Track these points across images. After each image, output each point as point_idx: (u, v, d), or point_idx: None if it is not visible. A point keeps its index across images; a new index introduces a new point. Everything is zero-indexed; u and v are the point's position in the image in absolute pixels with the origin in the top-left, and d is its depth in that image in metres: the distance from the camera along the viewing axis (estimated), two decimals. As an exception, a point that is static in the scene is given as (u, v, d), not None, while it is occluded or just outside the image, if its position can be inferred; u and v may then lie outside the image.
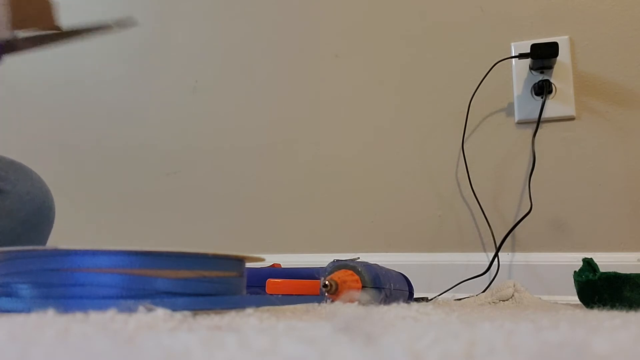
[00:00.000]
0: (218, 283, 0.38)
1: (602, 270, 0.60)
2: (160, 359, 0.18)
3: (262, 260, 0.43)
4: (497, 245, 0.92)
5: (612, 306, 0.57)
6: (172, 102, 1.19)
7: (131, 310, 0.30)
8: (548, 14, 0.98)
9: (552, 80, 0.95)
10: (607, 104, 0.94)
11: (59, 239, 1.20)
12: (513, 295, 0.69)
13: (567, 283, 0.66)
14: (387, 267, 0.58)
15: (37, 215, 0.67)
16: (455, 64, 1.02)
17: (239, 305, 0.38)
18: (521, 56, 0.94)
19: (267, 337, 0.21)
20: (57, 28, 0.47)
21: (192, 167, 1.15)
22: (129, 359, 0.18)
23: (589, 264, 0.62)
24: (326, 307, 0.45)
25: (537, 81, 0.95)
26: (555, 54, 0.91)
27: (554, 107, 0.95)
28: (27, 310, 0.32)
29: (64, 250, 0.34)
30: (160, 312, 0.28)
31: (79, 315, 0.29)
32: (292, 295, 0.53)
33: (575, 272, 0.62)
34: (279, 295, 0.50)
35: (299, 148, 1.09)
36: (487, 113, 0.99)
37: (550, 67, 0.95)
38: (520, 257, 0.94)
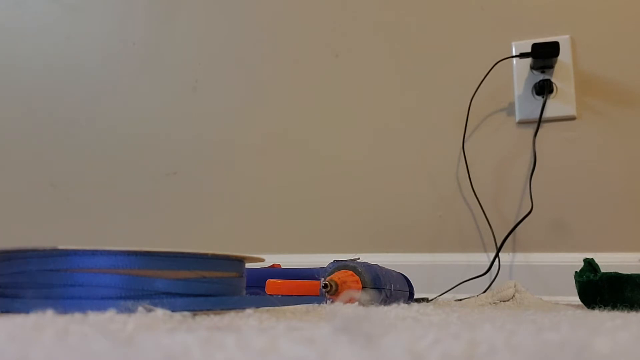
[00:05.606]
0: (218, 283, 0.38)
1: (603, 270, 0.60)
2: (159, 359, 0.18)
3: (262, 260, 0.43)
4: (498, 246, 0.92)
5: (614, 307, 0.57)
6: (172, 102, 1.19)
7: (130, 310, 0.30)
8: (549, 13, 0.98)
9: (553, 80, 0.95)
10: (608, 104, 0.94)
11: (58, 239, 1.20)
12: (514, 295, 0.69)
13: (568, 283, 0.66)
14: (388, 267, 0.58)
15: None
16: (455, 63, 1.02)
17: (238, 305, 0.38)
18: (522, 55, 0.94)
19: (266, 337, 0.21)
20: None
21: (192, 167, 1.15)
22: (128, 359, 0.18)
23: (590, 264, 0.62)
24: (326, 308, 0.45)
25: (537, 81, 0.95)
26: (556, 53, 0.91)
27: (554, 106, 0.95)
28: (26, 310, 0.32)
29: (63, 251, 0.34)
30: (160, 313, 0.28)
31: (78, 316, 0.29)
32: (292, 295, 0.53)
33: (576, 272, 0.62)
34: (279, 296, 0.50)
35: (299, 148, 1.09)
36: (487, 113, 0.99)
37: (551, 67, 0.95)
38: (521, 258, 0.93)
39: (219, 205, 1.12)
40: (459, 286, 0.90)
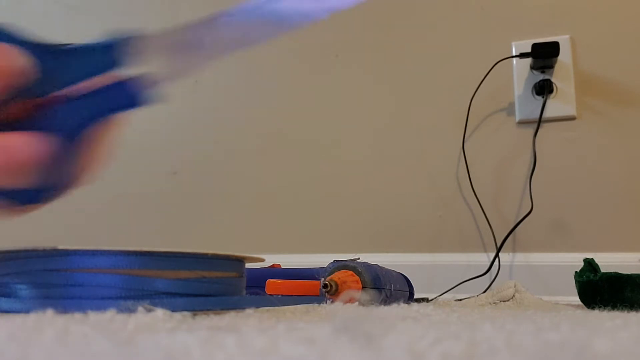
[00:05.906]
0: (218, 283, 0.38)
1: (603, 270, 0.60)
2: (159, 359, 0.18)
3: (262, 260, 0.43)
4: (498, 246, 0.92)
5: (613, 307, 0.56)
6: (171, 101, 1.18)
7: (130, 310, 0.30)
8: (549, 13, 0.98)
9: (553, 80, 0.95)
10: (608, 104, 0.94)
11: (58, 239, 1.19)
12: (514, 295, 0.69)
13: (568, 283, 0.66)
14: (388, 267, 0.58)
15: None
16: (455, 63, 1.02)
17: (238, 305, 0.38)
18: (522, 55, 0.94)
19: (266, 337, 0.21)
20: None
21: (192, 167, 1.15)
22: (129, 359, 0.18)
23: (590, 264, 0.62)
24: (326, 308, 0.45)
25: (537, 81, 0.95)
26: (556, 53, 0.91)
27: (555, 106, 0.95)
28: (26, 310, 0.32)
29: (63, 251, 0.34)
30: (160, 313, 0.28)
31: (78, 316, 0.29)
32: (292, 295, 0.53)
33: (576, 272, 0.62)
34: (279, 296, 0.50)
35: (299, 148, 1.09)
36: (487, 113, 0.99)
37: (551, 67, 0.95)
38: (521, 258, 0.93)
39: (219, 205, 1.12)
40: (459, 286, 0.90)
